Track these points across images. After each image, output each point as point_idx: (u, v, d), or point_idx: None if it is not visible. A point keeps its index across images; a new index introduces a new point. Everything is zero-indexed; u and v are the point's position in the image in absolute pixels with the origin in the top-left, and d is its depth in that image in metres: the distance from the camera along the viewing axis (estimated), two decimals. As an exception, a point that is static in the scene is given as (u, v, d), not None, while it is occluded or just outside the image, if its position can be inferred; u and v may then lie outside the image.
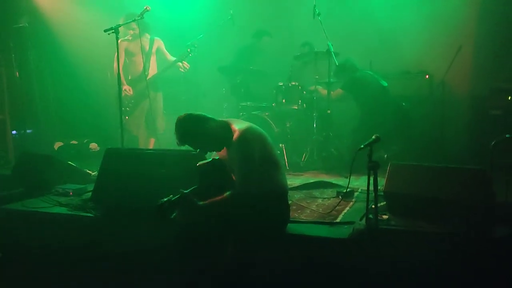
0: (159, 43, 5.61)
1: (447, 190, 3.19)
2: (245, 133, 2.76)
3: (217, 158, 3.04)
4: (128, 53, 5.47)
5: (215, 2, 6.27)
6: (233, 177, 2.85)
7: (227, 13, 5.86)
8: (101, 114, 6.34)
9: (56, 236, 3.47)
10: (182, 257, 2.82)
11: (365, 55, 5.67)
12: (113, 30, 4.24)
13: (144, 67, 5.44)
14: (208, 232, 2.75)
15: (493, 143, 3.43)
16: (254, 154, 2.73)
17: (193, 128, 2.82)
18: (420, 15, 5.57)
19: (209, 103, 6.40)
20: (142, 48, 5.28)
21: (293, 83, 5.42)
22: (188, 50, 5.39)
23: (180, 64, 5.44)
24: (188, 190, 2.75)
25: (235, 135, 2.76)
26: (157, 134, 5.65)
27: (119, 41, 5.11)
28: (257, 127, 2.91)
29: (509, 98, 4.84)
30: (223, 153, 2.95)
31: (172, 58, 5.56)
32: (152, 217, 2.74)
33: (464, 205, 3.08)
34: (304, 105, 5.42)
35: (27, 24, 6.05)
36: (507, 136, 3.51)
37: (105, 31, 4.40)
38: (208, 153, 3.14)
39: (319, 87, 5.43)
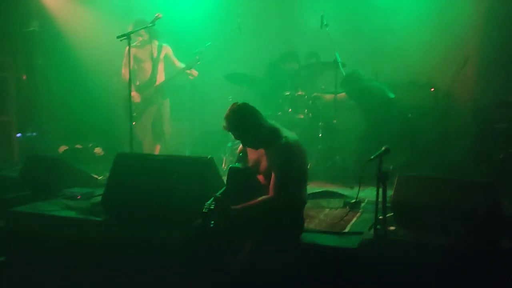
0: (167, 49, 5.66)
1: (455, 202, 3.22)
2: (294, 144, 2.85)
3: (243, 166, 3.08)
4: (136, 59, 5.51)
5: (223, 10, 6.33)
6: (261, 180, 2.90)
7: (235, 22, 5.92)
8: (106, 119, 6.37)
9: (65, 239, 3.47)
10: (195, 259, 2.83)
11: (371, 66, 5.72)
12: (125, 37, 4.27)
13: (152, 73, 5.48)
14: (223, 235, 2.78)
15: (501, 156, 3.47)
16: (295, 165, 2.80)
17: (248, 118, 2.87)
18: (427, 28, 5.63)
19: (215, 110, 6.41)
20: (150, 55, 5.33)
21: (300, 93, 5.46)
22: (197, 57, 5.44)
23: (189, 71, 5.48)
24: (219, 193, 2.81)
25: (284, 142, 2.82)
26: (164, 140, 5.68)
27: (127, 48, 5.20)
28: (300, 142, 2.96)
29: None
30: (256, 152, 2.99)
31: (181, 65, 5.61)
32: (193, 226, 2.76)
33: (471, 217, 3.11)
34: (310, 114, 5.45)
35: (37, 29, 6.09)
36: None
37: (118, 37, 4.44)
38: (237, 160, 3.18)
39: (320, 94, 5.47)
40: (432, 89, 5.65)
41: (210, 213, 2.67)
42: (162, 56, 5.60)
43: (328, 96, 5.38)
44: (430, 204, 3.30)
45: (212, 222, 2.68)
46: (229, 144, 5.63)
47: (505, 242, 2.97)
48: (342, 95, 5.31)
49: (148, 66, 5.49)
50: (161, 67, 5.62)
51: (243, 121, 2.86)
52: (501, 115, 5.00)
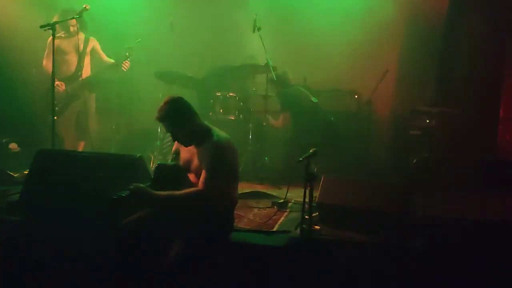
0: (94, 43, 5.43)
1: (372, 201, 3.47)
2: (226, 142, 2.88)
3: (174, 163, 3.04)
4: (60, 51, 5.18)
5: (155, 7, 6.21)
6: (192, 179, 2.89)
7: (167, 20, 5.84)
8: (22, 114, 5.96)
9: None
10: (122, 255, 2.76)
11: (301, 72, 5.95)
12: (49, 27, 4.04)
13: (77, 66, 5.24)
14: (154, 231, 2.74)
15: (414, 160, 3.79)
16: (226, 163, 2.82)
17: (182, 112, 2.88)
18: (355, 39, 5.93)
19: (145, 107, 6.27)
20: (76, 47, 5.10)
21: (231, 94, 5.53)
22: (127, 53, 5.30)
23: (124, 65, 5.32)
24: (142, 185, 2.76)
25: (215, 140, 2.83)
26: (89, 137, 5.44)
27: (50, 38, 4.93)
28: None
29: (427, 120, 5.32)
30: (188, 151, 2.99)
31: (108, 60, 5.42)
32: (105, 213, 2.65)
33: (386, 216, 3.36)
34: (241, 116, 5.54)
35: None
36: (426, 155, 3.91)
37: (41, 27, 4.18)
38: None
39: (272, 120, 5.66)
40: (356, 96, 6.00)
41: (121, 200, 2.64)
42: (88, 49, 5.37)
43: (277, 123, 5.63)
44: (352, 204, 3.52)
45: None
46: (158, 143, 5.54)
47: (418, 240, 3.23)
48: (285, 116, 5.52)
49: (73, 58, 5.25)
50: (87, 60, 5.38)
51: (178, 113, 2.87)
52: (416, 122, 5.43)
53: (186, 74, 5.72)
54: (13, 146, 6.06)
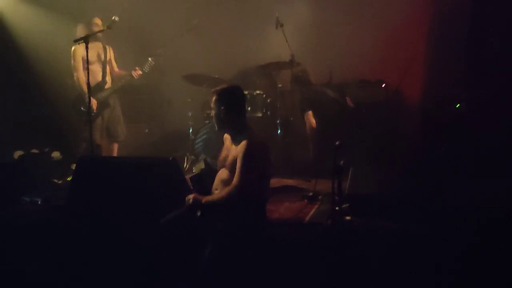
0: (111, 51, 5.57)
1: (402, 191, 3.49)
2: (257, 140, 3.01)
3: (203, 167, 3.21)
4: (85, 62, 5.33)
5: (179, 12, 6.38)
6: (225, 175, 3.03)
7: (191, 23, 6.00)
8: (60, 123, 6.25)
9: (28, 245, 3.45)
10: (163, 258, 2.92)
11: (325, 65, 5.97)
12: (83, 40, 4.25)
13: (102, 75, 5.40)
14: (189, 230, 2.89)
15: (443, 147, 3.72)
16: (257, 160, 2.94)
17: (237, 100, 3.08)
18: (379, 28, 5.86)
19: (174, 111, 6.49)
20: (98, 56, 5.29)
21: (258, 92, 5.62)
22: (150, 59, 5.51)
23: (134, 72, 5.47)
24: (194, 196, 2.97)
25: (248, 138, 2.96)
26: (120, 142, 5.64)
27: (74, 48, 5.17)
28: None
29: (458, 105, 5.24)
30: (226, 147, 3.17)
31: (116, 68, 5.59)
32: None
33: (417, 205, 3.38)
34: (268, 112, 5.63)
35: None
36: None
37: (75, 41, 4.42)
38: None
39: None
40: (383, 86, 5.96)
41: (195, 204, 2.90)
42: (108, 58, 5.50)
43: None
44: (381, 194, 3.56)
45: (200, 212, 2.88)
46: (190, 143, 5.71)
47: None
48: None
49: (97, 68, 5.39)
50: (108, 69, 5.52)
51: (233, 98, 3.06)
52: (446, 108, 5.35)
53: (212, 76, 5.86)
54: (56, 154, 6.37)
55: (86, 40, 4.25)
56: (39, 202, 4.10)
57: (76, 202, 3.63)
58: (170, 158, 3.52)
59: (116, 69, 5.60)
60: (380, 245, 3.18)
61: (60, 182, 5.00)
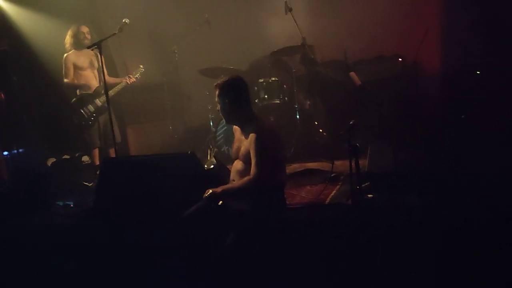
0: (102, 58, 5.39)
1: (421, 165, 3.45)
2: (266, 127, 3.07)
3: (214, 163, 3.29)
4: (77, 67, 5.38)
5: (189, 7, 6.43)
6: (240, 166, 3.11)
7: (202, 17, 6.06)
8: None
9: (63, 247, 3.62)
10: (184, 249, 3.02)
11: (339, 45, 5.91)
12: (96, 46, 4.37)
13: (97, 81, 5.44)
14: (210, 221, 2.98)
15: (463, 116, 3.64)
16: (269, 147, 3.00)
17: (239, 91, 3.10)
18: (391, 3, 5.77)
19: (194, 105, 6.60)
20: (90, 62, 5.38)
21: (273, 79, 5.62)
22: (141, 66, 5.58)
23: (127, 79, 5.51)
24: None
25: (257, 127, 3.01)
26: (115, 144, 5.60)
27: (66, 55, 5.29)
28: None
29: (478, 72, 5.10)
30: (237, 139, 3.23)
31: (109, 78, 5.53)
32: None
33: (439, 178, 3.34)
34: (286, 98, 5.63)
35: (7, 48, 6.15)
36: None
37: (88, 47, 4.55)
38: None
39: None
40: (400, 59, 5.85)
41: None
42: (100, 63, 5.14)
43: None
44: (402, 170, 3.53)
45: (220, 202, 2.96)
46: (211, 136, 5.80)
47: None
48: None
49: (89, 74, 5.42)
50: (100, 74, 5.43)
51: (236, 89, 3.09)
52: (466, 77, 5.22)
53: (228, 67, 5.90)
54: (86, 158, 6.61)
55: (99, 45, 4.36)
56: (72, 206, 4.28)
57: (103, 203, 3.78)
58: (189, 153, 3.60)
59: (107, 76, 5.34)
60: (402, 221, 3.17)
61: (91, 184, 5.18)
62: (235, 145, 3.24)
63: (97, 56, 5.38)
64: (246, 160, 3.05)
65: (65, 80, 5.39)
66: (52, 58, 5.62)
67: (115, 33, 4.63)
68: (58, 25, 5.67)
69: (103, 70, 4.69)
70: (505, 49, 5.03)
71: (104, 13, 6.37)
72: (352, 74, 5.55)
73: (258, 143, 2.96)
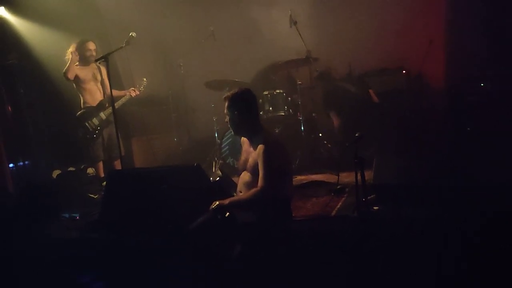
0: (104, 72, 5.28)
1: (428, 176, 3.44)
2: (272, 140, 3.08)
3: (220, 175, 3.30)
4: (79, 81, 5.40)
5: (194, 21, 6.50)
6: (247, 178, 3.12)
7: (207, 30, 6.12)
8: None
9: (68, 259, 3.61)
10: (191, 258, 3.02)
11: (344, 58, 5.95)
12: (103, 59, 4.42)
13: (100, 94, 5.46)
14: (218, 233, 2.98)
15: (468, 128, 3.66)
16: (278, 159, 3.01)
17: (248, 104, 3.12)
18: (395, 13, 5.82)
19: (199, 117, 6.63)
20: (93, 76, 5.40)
21: (278, 91, 5.65)
22: (144, 79, 5.62)
23: (129, 92, 5.54)
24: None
25: (264, 140, 3.02)
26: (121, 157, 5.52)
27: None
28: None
29: (482, 84, 5.12)
30: (245, 150, 3.24)
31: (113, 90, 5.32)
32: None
33: (445, 189, 3.33)
34: (290, 110, 5.66)
35: (15, 61, 6.22)
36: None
37: (96, 60, 4.60)
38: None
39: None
40: (404, 72, 5.88)
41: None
42: (103, 76, 5.43)
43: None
44: (407, 181, 3.53)
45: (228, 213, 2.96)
46: (217, 148, 5.81)
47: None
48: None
49: (92, 87, 5.44)
50: (103, 87, 5.50)
51: (245, 102, 3.11)
52: (470, 89, 5.23)
53: (233, 80, 5.94)
54: (91, 170, 6.63)
55: (106, 58, 4.40)
56: (77, 218, 4.29)
57: (108, 215, 3.78)
58: (194, 165, 3.61)
59: (108, 89, 5.23)
60: (409, 233, 3.15)
61: (96, 196, 5.19)
62: (243, 157, 3.26)
63: (100, 69, 5.44)
64: (254, 172, 3.06)
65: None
66: (59, 72, 5.67)
67: (122, 47, 4.68)
68: (66, 39, 5.71)
69: (110, 83, 4.71)
70: (509, 60, 5.05)
71: (112, 27, 6.44)
72: (371, 91, 5.59)
73: (266, 154, 2.97)
